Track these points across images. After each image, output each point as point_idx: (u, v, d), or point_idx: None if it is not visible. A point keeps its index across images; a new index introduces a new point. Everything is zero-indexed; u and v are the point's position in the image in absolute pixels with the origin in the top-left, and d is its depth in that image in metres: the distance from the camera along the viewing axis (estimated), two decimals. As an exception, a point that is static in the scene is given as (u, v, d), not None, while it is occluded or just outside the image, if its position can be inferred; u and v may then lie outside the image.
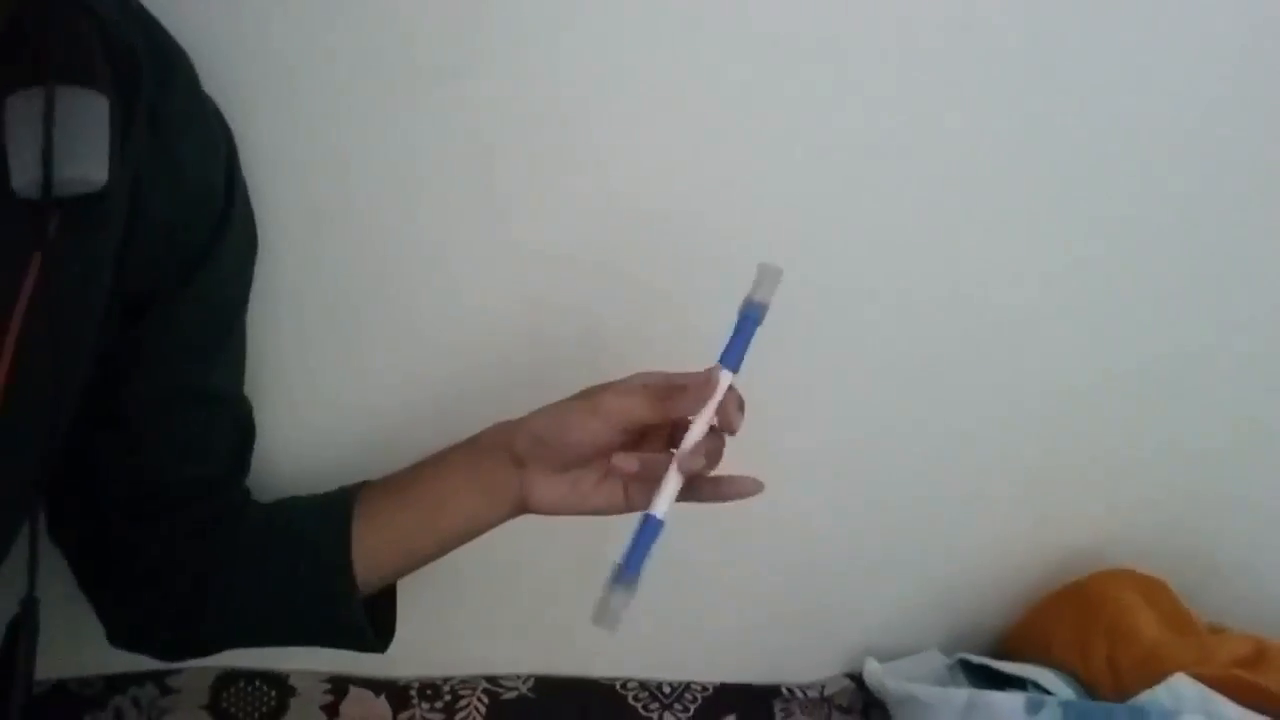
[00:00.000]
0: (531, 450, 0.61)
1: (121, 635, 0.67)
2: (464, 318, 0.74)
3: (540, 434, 0.60)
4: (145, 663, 0.81)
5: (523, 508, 0.62)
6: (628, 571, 0.54)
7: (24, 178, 0.46)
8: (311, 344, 0.72)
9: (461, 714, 0.86)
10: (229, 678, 0.82)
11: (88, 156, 0.47)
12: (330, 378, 0.74)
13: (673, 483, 0.57)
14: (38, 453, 0.52)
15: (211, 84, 0.59)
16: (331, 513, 0.64)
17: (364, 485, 0.66)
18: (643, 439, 0.61)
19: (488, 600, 0.84)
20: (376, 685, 0.86)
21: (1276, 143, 0.81)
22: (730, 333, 0.58)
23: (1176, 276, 0.85)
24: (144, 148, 0.52)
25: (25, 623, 0.53)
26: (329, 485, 0.69)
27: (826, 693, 0.96)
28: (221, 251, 0.57)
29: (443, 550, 0.65)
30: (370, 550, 0.63)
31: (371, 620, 0.66)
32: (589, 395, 0.60)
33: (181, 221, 0.55)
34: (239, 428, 0.66)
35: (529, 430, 0.61)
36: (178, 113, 0.54)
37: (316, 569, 0.63)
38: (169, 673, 0.81)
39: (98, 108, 0.48)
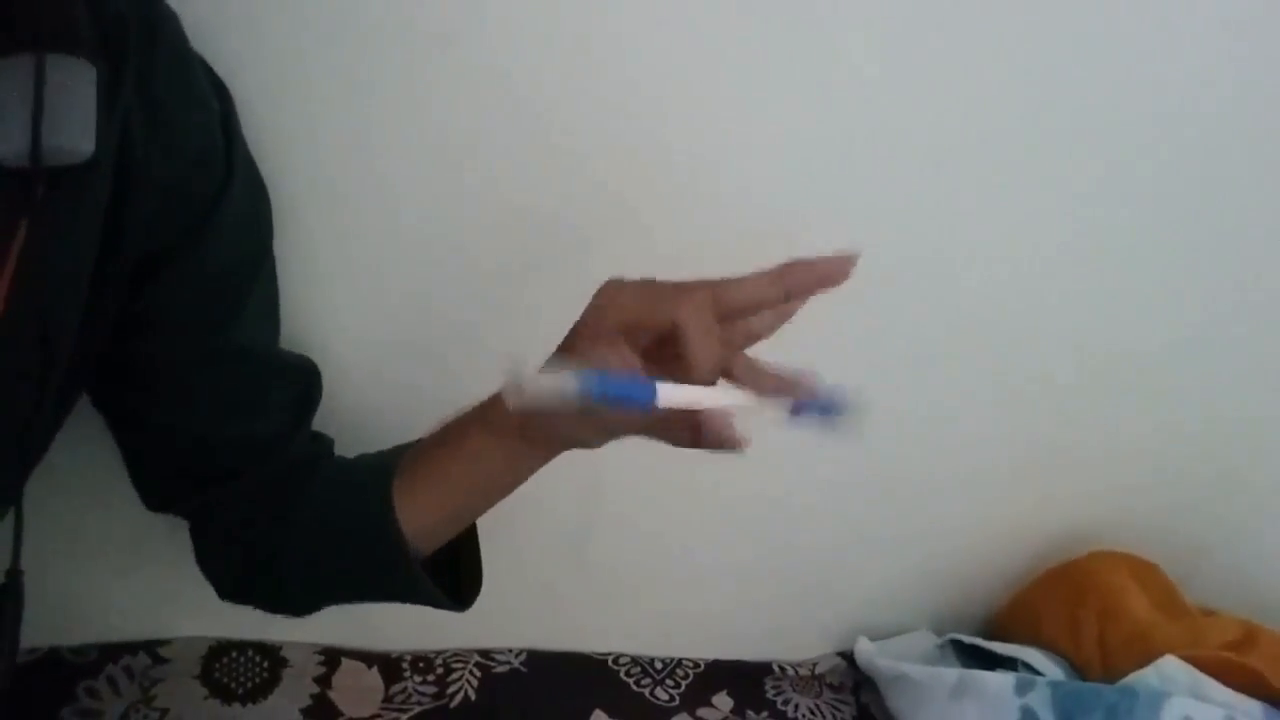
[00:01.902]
0: (537, 433, 0.57)
1: (225, 593, 0.68)
2: (466, 275, 0.74)
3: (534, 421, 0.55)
4: (138, 632, 0.82)
5: (557, 451, 0.58)
6: (586, 381, 0.44)
7: (8, 146, 0.45)
8: (313, 302, 0.72)
9: (453, 687, 0.86)
10: (221, 648, 0.82)
11: (74, 126, 0.46)
12: (336, 337, 0.74)
13: (692, 394, 0.49)
14: (25, 419, 0.52)
15: (203, 44, 0.58)
16: (374, 480, 0.62)
17: (414, 446, 0.64)
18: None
19: (480, 574, 0.84)
20: (369, 657, 0.86)
21: (1277, 133, 0.80)
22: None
23: (1172, 264, 0.85)
24: (133, 113, 0.51)
25: (10, 594, 0.52)
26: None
27: (818, 671, 0.96)
28: (226, 208, 0.57)
29: (485, 502, 0.62)
30: (416, 514, 0.61)
31: (455, 575, 0.65)
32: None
33: (180, 182, 0.54)
34: (288, 383, 0.66)
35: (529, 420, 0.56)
36: (166, 75, 0.53)
37: (367, 532, 0.62)
38: (161, 642, 0.82)
39: (85, 76, 0.47)
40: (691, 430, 0.52)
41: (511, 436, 0.57)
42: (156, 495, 0.65)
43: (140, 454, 0.64)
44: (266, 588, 0.67)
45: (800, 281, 0.52)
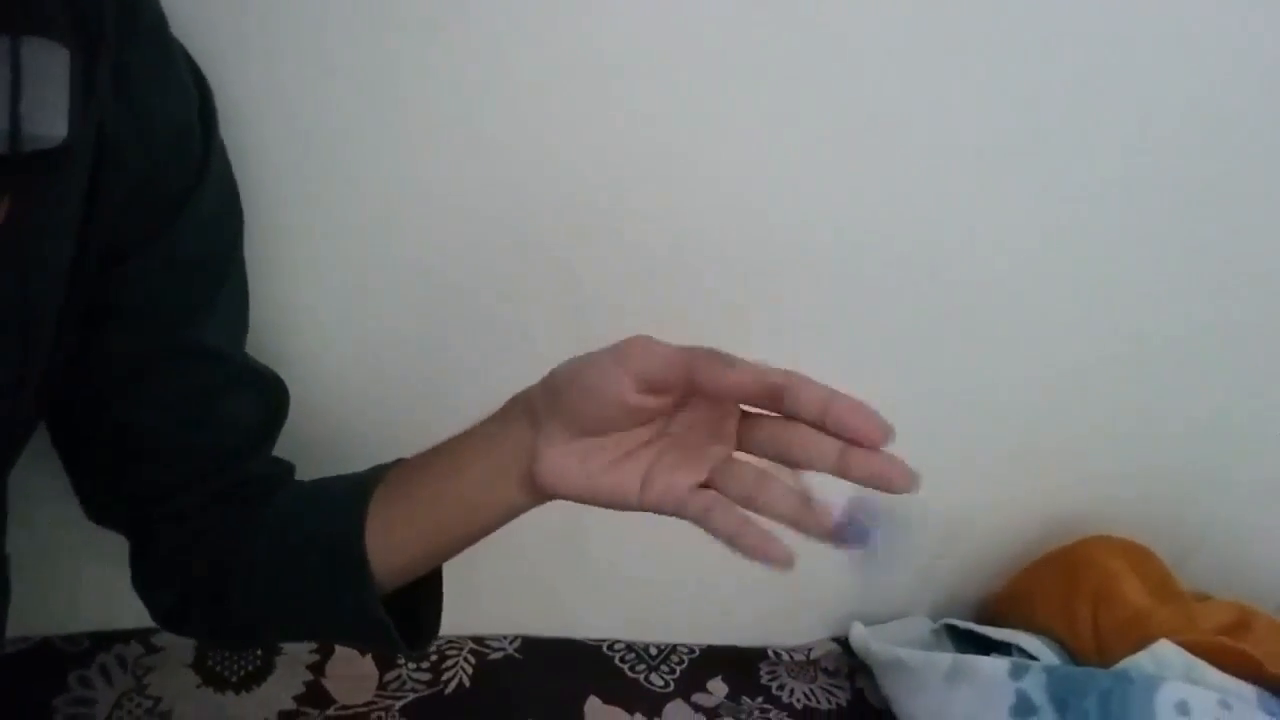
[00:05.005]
0: (546, 402, 0.53)
1: (161, 618, 0.65)
2: (452, 278, 0.74)
3: (557, 381, 0.52)
4: (131, 620, 0.82)
5: (531, 479, 0.54)
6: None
7: None
8: (290, 306, 0.72)
9: (448, 674, 0.86)
10: (215, 636, 0.82)
11: (46, 111, 0.45)
12: (319, 332, 0.74)
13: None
14: (5, 407, 0.51)
15: (182, 34, 0.57)
16: (351, 495, 0.58)
17: (396, 463, 0.60)
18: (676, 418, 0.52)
19: (474, 561, 0.84)
20: (363, 645, 0.86)
21: (1272, 125, 0.80)
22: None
23: (1165, 254, 0.84)
24: (109, 99, 0.50)
25: None
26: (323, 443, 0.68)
27: (813, 656, 0.97)
28: (199, 199, 0.56)
29: (457, 532, 0.57)
30: (388, 537, 0.57)
31: (414, 620, 0.61)
32: (620, 343, 0.51)
33: (156, 170, 0.53)
34: (253, 394, 0.62)
35: (549, 379, 0.53)
36: (144, 60, 0.52)
37: (330, 557, 0.57)
38: (154, 631, 0.81)
39: (57, 59, 0.46)
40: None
41: (525, 481, 0.54)
42: (99, 504, 0.61)
43: (87, 458, 0.60)
44: (207, 615, 0.62)
45: (857, 465, 0.48)
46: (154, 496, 0.60)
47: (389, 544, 0.57)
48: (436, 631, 0.63)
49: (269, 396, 0.64)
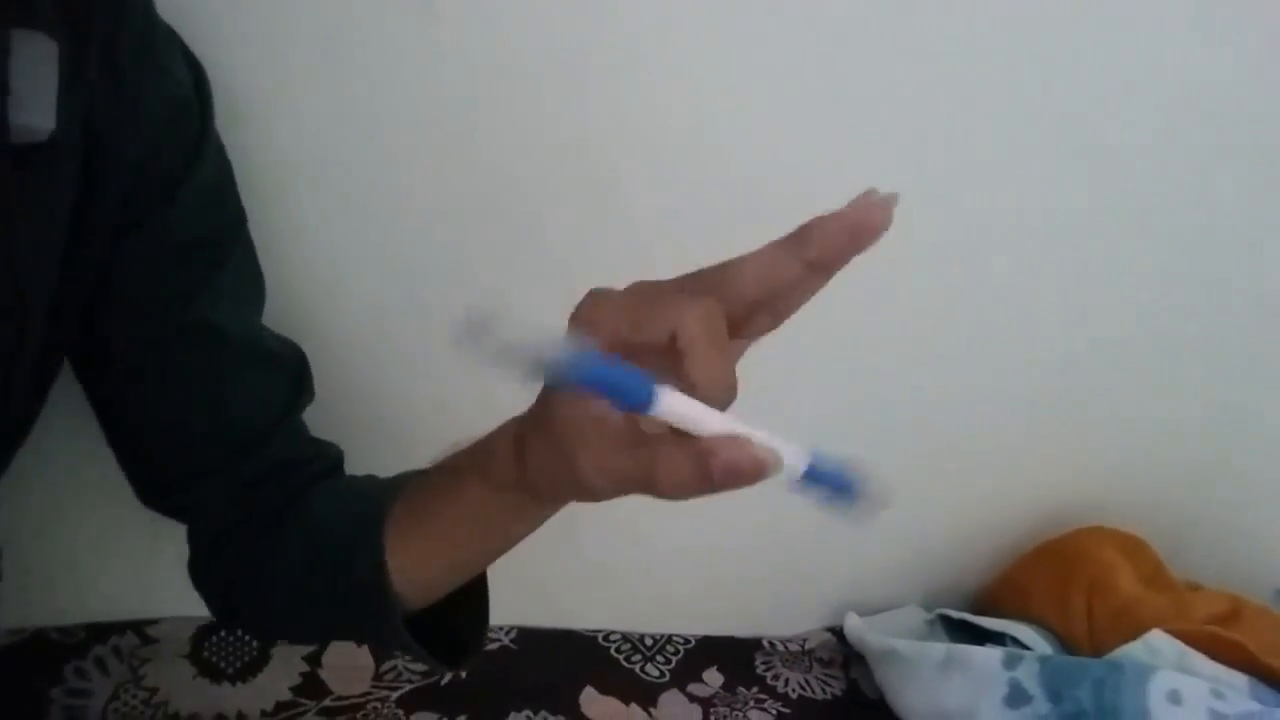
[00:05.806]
0: (538, 454, 0.46)
1: (215, 611, 0.64)
2: (458, 256, 0.74)
3: (532, 429, 0.46)
4: (126, 612, 0.82)
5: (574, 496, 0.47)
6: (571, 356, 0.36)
7: None
8: (299, 287, 0.72)
9: (444, 665, 0.86)
10: (210, 627, 0.82)
11: (34, 104, 0.45)
12: (323, 324, 0.73)
13: (701, 411, 0.38)
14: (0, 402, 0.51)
15: (180, 19, 0.57)
16: (366, 529, 0.55)
17: (415, 478, 0.57)
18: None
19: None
20: (359, 636, 0.86)
21: (1269, 126, 0.80)
22: None
23: (1159, 248, 0.85)
24: (98, 88, 0.50)
25: None
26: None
27: (808, 646, 0.97)
28: (197, 177, 0.55)
29: (494, 555, 0.54)
30: (411, 566, 0.54)
31: (455, 628, 0.58)
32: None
33: (150, 152, 0.53)
34: (268, 374, 0.61)
35: (529, 420, 0.47)
36: (132, 48, 0.52)
37: (355, 592, 0.55)
38: (150, 622, 0.81)
39: (46, 52, 0.46)
40: (695, 463, 0.38)
41: (511, 490, 0.49)
42: (142, 490, 0.62)
43: (123, 446, 0.60)
44: (252, 611, 0.61)
45: (829, 245, 0.41)
46: (188, 484, 0.59)
47: (415, 572, 0.54)
48: (481, 644, 0.59)
49: (288, 375, 0.62)
